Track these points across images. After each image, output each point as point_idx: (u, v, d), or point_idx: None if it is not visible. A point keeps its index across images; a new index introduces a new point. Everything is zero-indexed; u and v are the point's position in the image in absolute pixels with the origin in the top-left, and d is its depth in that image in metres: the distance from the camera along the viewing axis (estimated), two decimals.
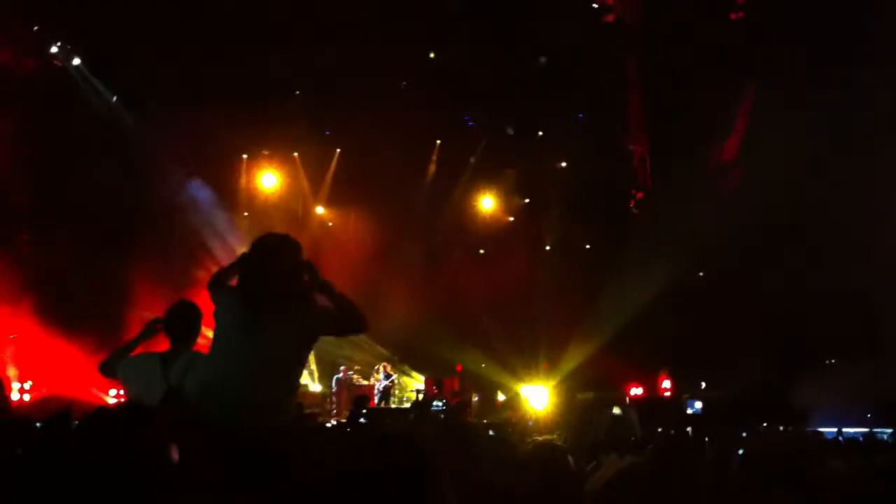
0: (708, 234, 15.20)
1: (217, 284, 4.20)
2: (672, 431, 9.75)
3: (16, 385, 14.83)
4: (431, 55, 17.65)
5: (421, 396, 17.56)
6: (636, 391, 16.77)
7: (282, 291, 3.84)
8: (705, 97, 16.41)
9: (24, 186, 16.08)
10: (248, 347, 3.74)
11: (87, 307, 14.74)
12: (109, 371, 4.74)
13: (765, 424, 12.12)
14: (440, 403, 15.71)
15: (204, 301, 4.57)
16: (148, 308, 14.58)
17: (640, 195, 19.05)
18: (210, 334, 3.98)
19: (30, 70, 15.87)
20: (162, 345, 4.70)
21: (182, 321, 4.64)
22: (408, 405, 17.35)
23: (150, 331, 4.82)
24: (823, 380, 14.70)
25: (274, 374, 3.79)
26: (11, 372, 14.77)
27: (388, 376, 18.80)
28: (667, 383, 17.09)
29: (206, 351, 4.05)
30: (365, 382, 18.77)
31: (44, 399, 14.53)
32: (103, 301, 15.13)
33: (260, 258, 3.92)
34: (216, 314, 3.94)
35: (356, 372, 19.00)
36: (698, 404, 15.86)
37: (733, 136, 17.17)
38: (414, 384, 19.79)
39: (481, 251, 20.37)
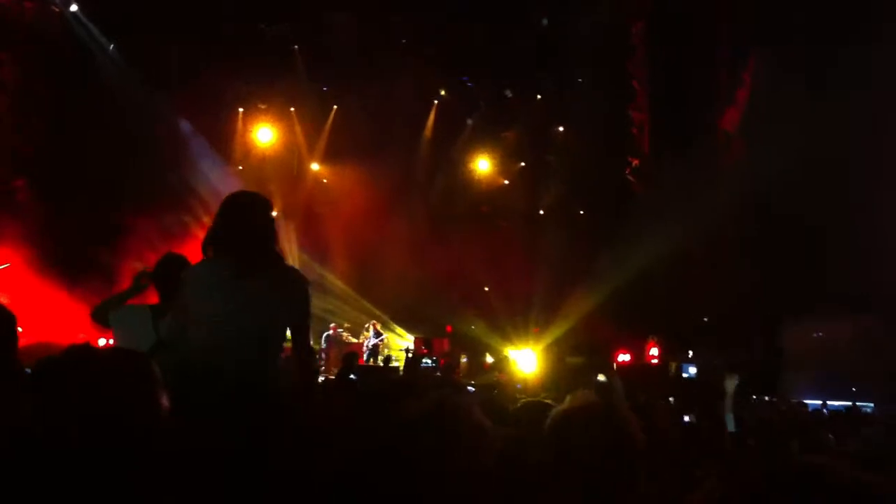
0: (704, 204, 15.21)
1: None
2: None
3: None
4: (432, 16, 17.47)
5: (410, 355, 17.66)
6: (624, 357, 16.87)
7: (260, 247, 3.81)
8: (708, 66, 16.34)
9: (20, 134, 15.99)
10: (226, 312, 3.69)
11: (81, 256, 14.72)
12: (101, 318, 4.70)
13: (754, 397, 12.23)
14: (430, 361, 15.82)
15: (194, 252, 4.55)
16: (140, 258, 14.60)
17: (636, 162, 19.02)
18: None
19: (29, 14, 15.69)
20: (154, 297, 4.70)
21: (171, 274, 4.45)
22: (396, 364, 17.46)
23: (137, 286, 4.79)
24: (810, 351, 14.83)
25: (261, 330, 3.77)
26: None
27: (377, 334, 18.89)
28: (654, 350, 17.19)
29: None
30: (354, 340, 18.86)
31: (34, 345, 14.54)
32: (97, 250, 15.11)
33: (235, 215, 3.85)
34: (185, 282, 3.88)
35: (346, 329, 19.08)
36: (692, 369, 15.92)
37: (734, 107, 17.11)
38: (403, 343, 19.87)
39: (482, 209, 20.35)
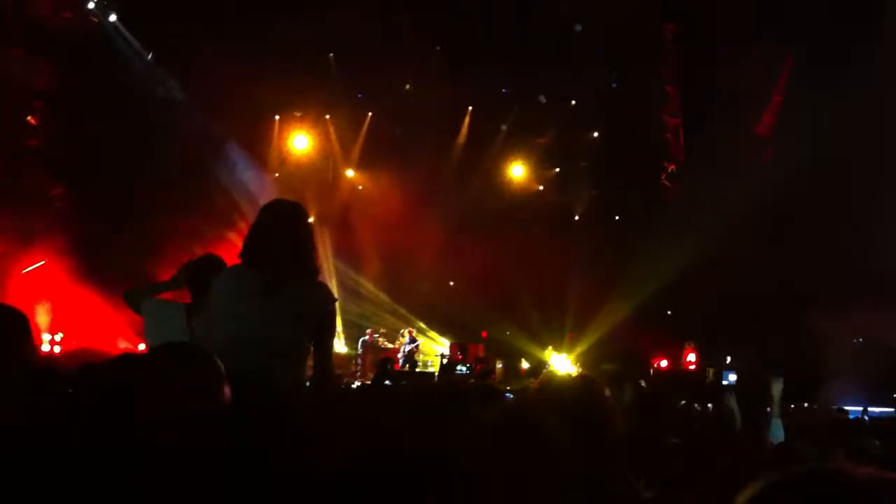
0: (740, 208, 15.07)
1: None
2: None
3: (46, 336, 15.02)
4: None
5: (445, 360, 17.68)
6: (661, 363, 16.76)
7: (292, 259, 3.80)
8: (742, 70, 16.20)
9: (59, 142, 16.25)
10: (252, 321, 3.71)
11: (119, 264, 14.89)
12: (134, 302, 4.67)
13: (792, 406, 12.05)
14: (464, 368, 15.81)
15: (231, 259, 4.57)
16: (178, 266, 14.76)
17: (672, 167, 18.90)
18: None
19: (67, 23, 15.95)
20: (187, 297, 4.71)
21: (205, 276, 4.44)
22: (431, 369, 17.48)
23: (177, 280, 4.75)
24: (850, 358, 14.61)
25: (276, 343, 3.76)
26: (42, 320, 14.96)
27: (412, 340, 18.92)
28: (692, 356, 17.05)
29: None
30: (390, 346, 18.91)
31: (74, 351, 14.74)
32: (135, 258, 15.29)
33: (269, 225, 3.87)
34: (215, 288, 3.88)
35: (381, 335, 19.13)
36: (732, 376, 15.71)
37: (769, 111, 16.94)
38: (438, 349, 19.89)
39: (516, 214, 20.31)
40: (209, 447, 2.19)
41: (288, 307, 3.74)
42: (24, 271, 14.97)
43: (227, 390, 2.42)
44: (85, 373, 2.41)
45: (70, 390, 2.51)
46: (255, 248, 3.84)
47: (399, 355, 18.49)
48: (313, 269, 3.88)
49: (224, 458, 2.28)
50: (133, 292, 4.77)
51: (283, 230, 3.83)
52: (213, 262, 4.64)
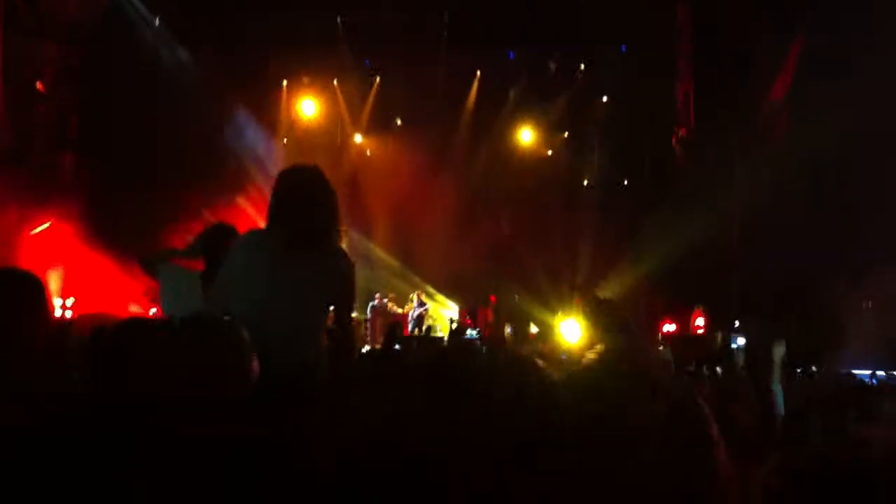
0: (750, 175, 15.00)
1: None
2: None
3: (58, 301, 15.12)
4: None
5: (455, 325, 17.75)
6: (669, 327, 16.78)
7: (313, 222, 3.81)
8: (755, 39, 16.03)
9: (71, 112, 16.27)
10: (278, 285, 3.73)
11: (129, 229, 14.96)
12: (150, 267, 4.71)
13: (798, 370, 12.07)
14: (474, 333, 15.88)
15: (241, 226, 4.59)
16: (187, 230, 14.80)
17: (682, 132, 18.79)
18: None
19: None
20: (201, 265, 4.73)
21: (219, 244, 4.45)
22: (441, 334, 17.55)
23: (193, 249, 4.75)
24: (860, 324, 14.58)
25: (307, 315, 3.79)
26: (54, 285, 15.07)
27: (421, 304, 18.99)
28: (700, 320, 17.06)
29: None
30: (399, 310, 18.97)
31: (88, 316, 14.85)
32: (146, 224, 15.36)
33: (298, 187, 3.86)
34: (238, 253, 3.89)
35: (391, 300, 19.19)
36: (741, 340, 15.68)
37: (781, 81, 16.78)
38: (447, 313, 19.96)
39: (525, 180, 20.26)
40: (233, 429, 2.21)
41: (311, 274, 3.77)
42: (32, 232, 15.05)
43: (255, 366, 2.44)
44: (97, 337, 2.44)
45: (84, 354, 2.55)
46: (278, 214, 3.84)
47: (408, 320, 18.57)
48: (337, 234, 3.90)
49: (249, 436, 2.31)
50: (149, 260, 4.79)
51: (306, 195, 3.82)
52: (226, 231, 4.66)
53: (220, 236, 4.57)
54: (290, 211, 3.79)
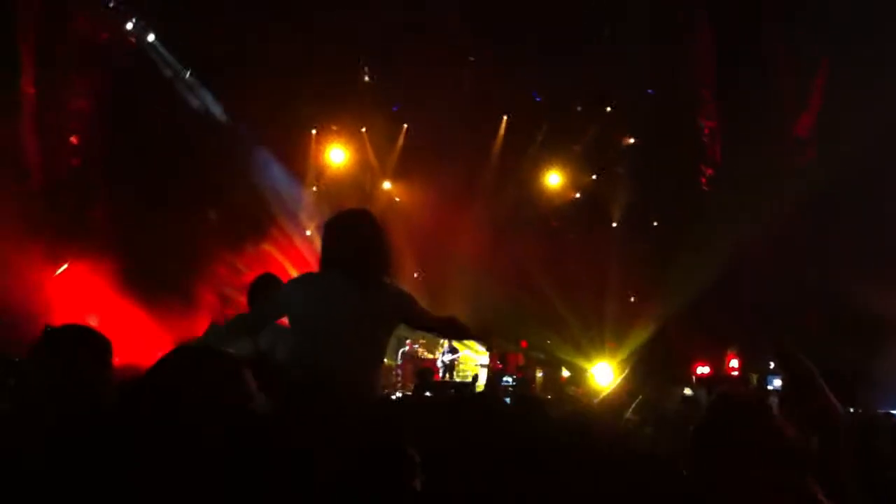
0: (779, 211, 14.89)
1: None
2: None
3: None
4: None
5: (485, 371, 17.67)
6: (703, 370, 16.58)
7: (369, 263, 3.88)
8: (778, 72, 16.02)
9: (101, 162, 16.51)
10: (342, 322, 3.77)
11: (161, 279, 15.08)
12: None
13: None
14: (510, 379, 15.76)
15: (271, 272, 4.62)
16: (218, 279, 14.92)
17: (710, 171, 18.74)
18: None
19: (105, 42, 16.22)
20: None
21: (264, 294, 4.63)
22: (470, 380, 17.45)
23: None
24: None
25: (368, 350, 3.83)
26: None
27: (452, 350, 18.92)
28: (734, 362, 16.86)
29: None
30: (429, 356, 18.93)
31: (119, 367, 14.87)
32: (177, 273, 15.49)
33: (354, 230, 3.95)
34: (292, 290, 3.97)
35: (421, 346, 19.16)
36: (777, 381, 15.38)
37: (808, 113, 16.74)
38: (478, 358, 19.86)
39: (552, 222, 20.25)
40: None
41: (371, 307, 3.83)
42: (56, 273, 15.13)
43: (249, 380, 2.43)
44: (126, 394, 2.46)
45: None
46: (336, 256, 3.90)
47: (438, 365, 18.51)
48: (392, 273, 3.99)
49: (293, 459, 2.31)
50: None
51: (362, 236, 3.91)
52: (272, 281, 4.73)
53: (266, 286, 4.65)
54: (345, 254, 3.85)
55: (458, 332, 4.46)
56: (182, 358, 2.28)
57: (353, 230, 3.94)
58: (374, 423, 3.51)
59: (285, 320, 4.14)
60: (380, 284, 3.90)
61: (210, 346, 2.85)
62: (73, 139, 16.02)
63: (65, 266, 15.30)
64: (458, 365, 18.95)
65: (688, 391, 10.88)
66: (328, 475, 2.66)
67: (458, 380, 18.07)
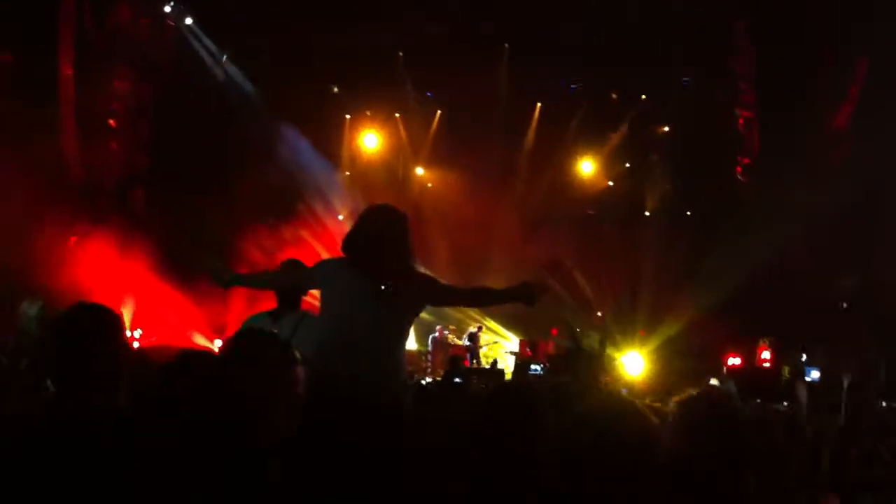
0: (816, 203, 14.73)
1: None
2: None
3: (127, 333, 15.33)
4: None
5: (513, 359, 17.71)
6: (734, 361, 16.43)
7: (389, 259, 3.95)
8: (817, 64, 15.82)
9: (141, 148, 16.70)
10: (366, 312, 3.84)
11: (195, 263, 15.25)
12: (218, 276, 4.58)
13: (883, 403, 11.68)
14: (538, 367, 15.76)
15: (306, 258, 4.68)
16: (251, 263, 15.05)
17: (746, 161, 18.56)
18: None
19: (144, 30, 16.39)
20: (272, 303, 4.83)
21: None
22: (500, 367, 17.48)
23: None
24: None
25: (391, 338, 3.89)
26: (126, 318, 15.34)
27: (471, 336, 18.95)
28: (766, 354, 16.69)
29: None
30: (459, 342, 18.97)
31: (153, 347, 15.07)
32: (212, 254, 15.63)
33: (370, 226, 4.03)
34: (320, 278, 4.04)
35: (451, 332, 19.20)
36: (815, 373, 15.14)
37: (846, 106, 16.51)
38: (507, 345, 19.88)
39: (586, 211, 20.15)
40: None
41: (394, 309, 3.91)
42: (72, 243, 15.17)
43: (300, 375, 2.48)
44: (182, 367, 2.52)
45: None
46: (362, 252, 4.00)
47: (468, 352, 18.55)
48: (410, 270, 4.07)
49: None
50: (236, 279, 4.74)
51: (389, 237, 4.00)
52: (296, 266, 4.78)
53: (290, 270, 4.70)
54: (364, 249, 3.91)
55: (493, 296, 4.55)
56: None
57: (376, 229, 4.00)
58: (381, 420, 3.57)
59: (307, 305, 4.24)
60: (398, 273, 3.92)
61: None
62: (112, 122, 16.21)
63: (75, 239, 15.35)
64: (480, 350, 18.96)
65: (714, 382, 10.85)
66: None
67: (484, 366, 18.07)
